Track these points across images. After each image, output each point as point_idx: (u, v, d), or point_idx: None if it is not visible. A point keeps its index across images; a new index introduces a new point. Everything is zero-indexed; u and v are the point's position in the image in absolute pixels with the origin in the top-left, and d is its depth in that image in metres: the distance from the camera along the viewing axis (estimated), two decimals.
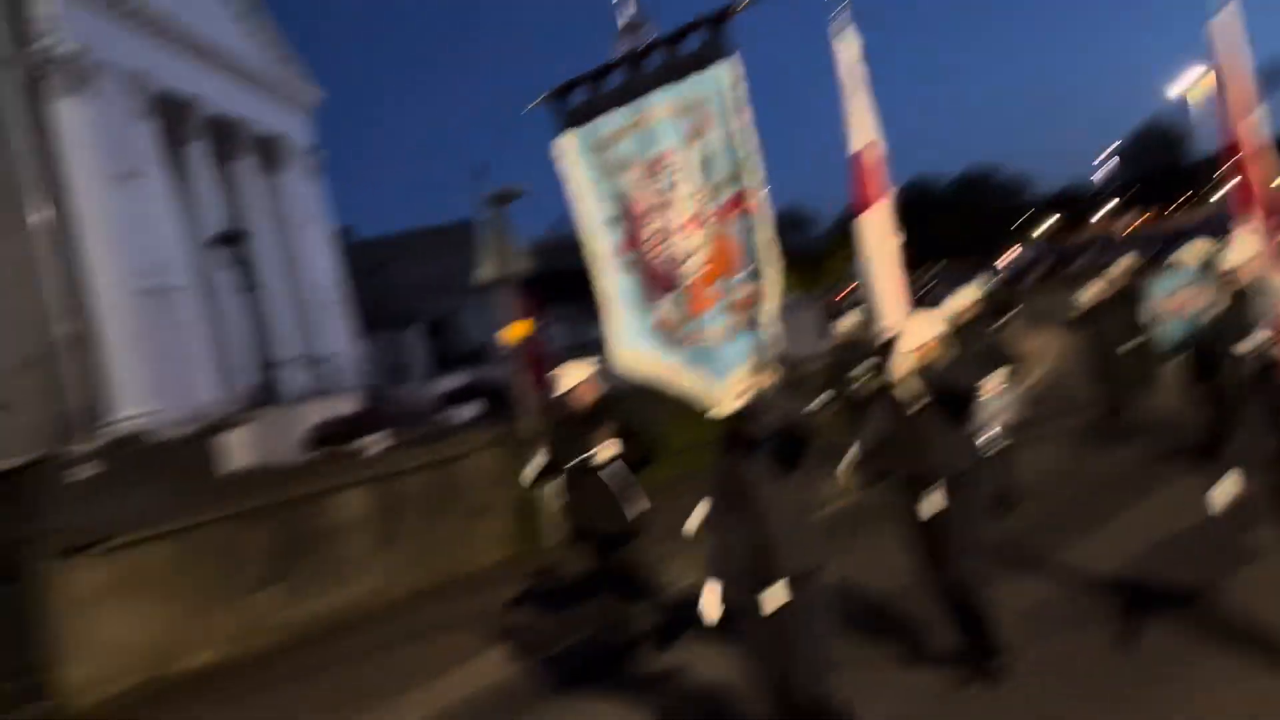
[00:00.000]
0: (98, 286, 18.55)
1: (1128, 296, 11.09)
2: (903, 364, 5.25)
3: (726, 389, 4.11)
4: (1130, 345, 11.58)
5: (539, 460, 6.63)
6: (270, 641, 8.48)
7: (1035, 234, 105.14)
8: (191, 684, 7.94)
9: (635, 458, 6.31)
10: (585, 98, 4.35)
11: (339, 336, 28.27)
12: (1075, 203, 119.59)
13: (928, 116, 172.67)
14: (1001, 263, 66.21)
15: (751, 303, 4.00)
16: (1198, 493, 6.44)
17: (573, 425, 6.47)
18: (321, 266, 28.34)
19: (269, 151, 26.58)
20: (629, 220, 4.33)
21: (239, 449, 13.89)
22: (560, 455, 6.51)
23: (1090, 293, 12.11)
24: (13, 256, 18.41)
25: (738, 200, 3.95)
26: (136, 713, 7.50)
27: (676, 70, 4.00)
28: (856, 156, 5.36)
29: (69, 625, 7.59)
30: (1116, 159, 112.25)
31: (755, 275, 3.96)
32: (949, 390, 5.21)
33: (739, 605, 4.35)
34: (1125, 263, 12.70)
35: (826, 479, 6.81)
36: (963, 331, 8.56)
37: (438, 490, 9.89)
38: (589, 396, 6.39)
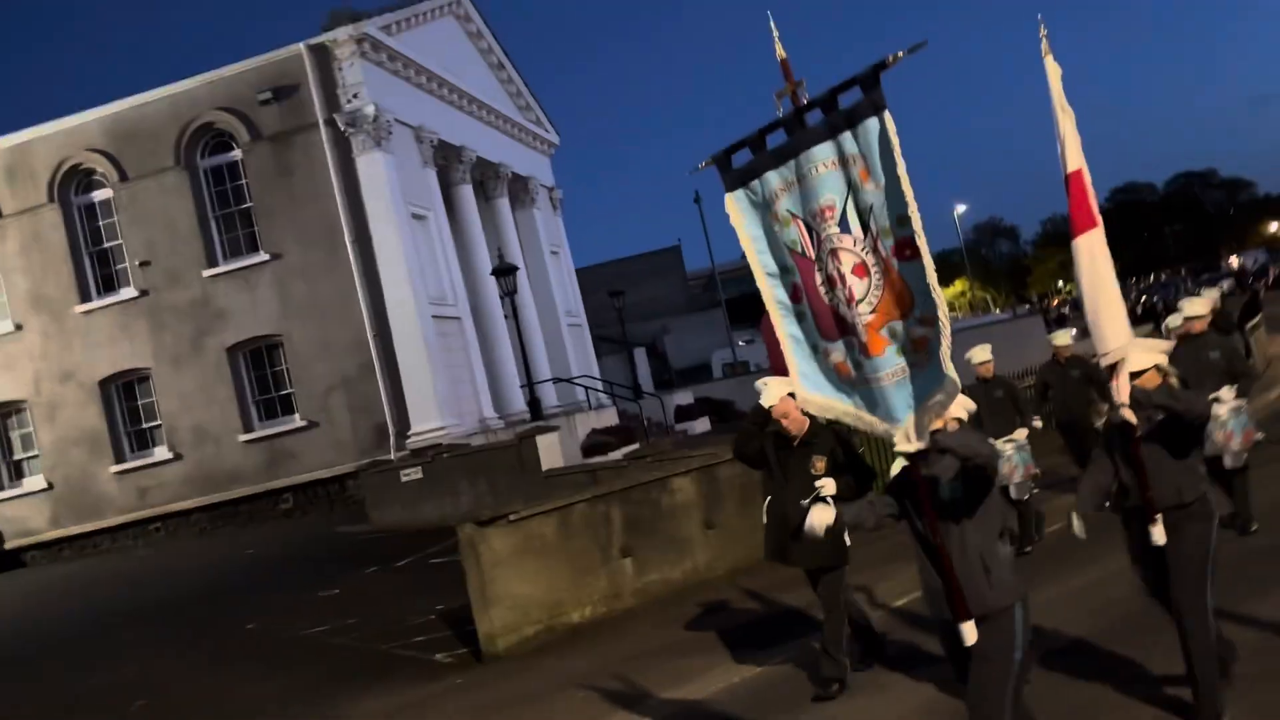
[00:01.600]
0: (398, 314, 21.15)
1: None
2: (1125, 390, 5.19)
3: (906, 429, 4.19)
4: None
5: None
6: (630, 604, 10.08)
7: (1263, 236, 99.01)
8: (577, 635, 9.60)
9: (847, 491, 6.33)
10: (748, 158, 4.51)
11: (582, 357, 30.47)
12: None
13: (1125, 123, 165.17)
14: (1229, 267, 63.06)
15: (925, 343, 4.07)
16: None
17: (787, 449, 6.68)
18: (566, 293, 30.67)
19: (519, 191, 29.13)
20: (797, 271, 4.47)
21: (548, 452, 15.78)
22: (776, 479, 6.72)
23: None
24: (333, 288, 21.31)
25: (904, 245, 4.03)
26: (541, 656, 9.20)
27: (834, 127, 4.10)
28: (1072, 178, 5.38)
29: (489, 581, 9.39)
30: None
31: (927, 317, 4.04)
32: (1176, 416, 5.11)
33: (943, 630, 4.59)
34: None
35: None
36: (1192, 344, 8.55)
37: (742, 482, 11.26)
38: (799, 418, 6.50)
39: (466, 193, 25.38)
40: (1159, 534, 5.14)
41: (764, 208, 4.48)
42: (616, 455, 18.64)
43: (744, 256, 4.60)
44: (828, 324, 4.39)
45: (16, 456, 23.41)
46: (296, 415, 21.70)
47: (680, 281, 61.71)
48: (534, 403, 21.63)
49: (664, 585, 10.39)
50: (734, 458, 7.29)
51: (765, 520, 6.85)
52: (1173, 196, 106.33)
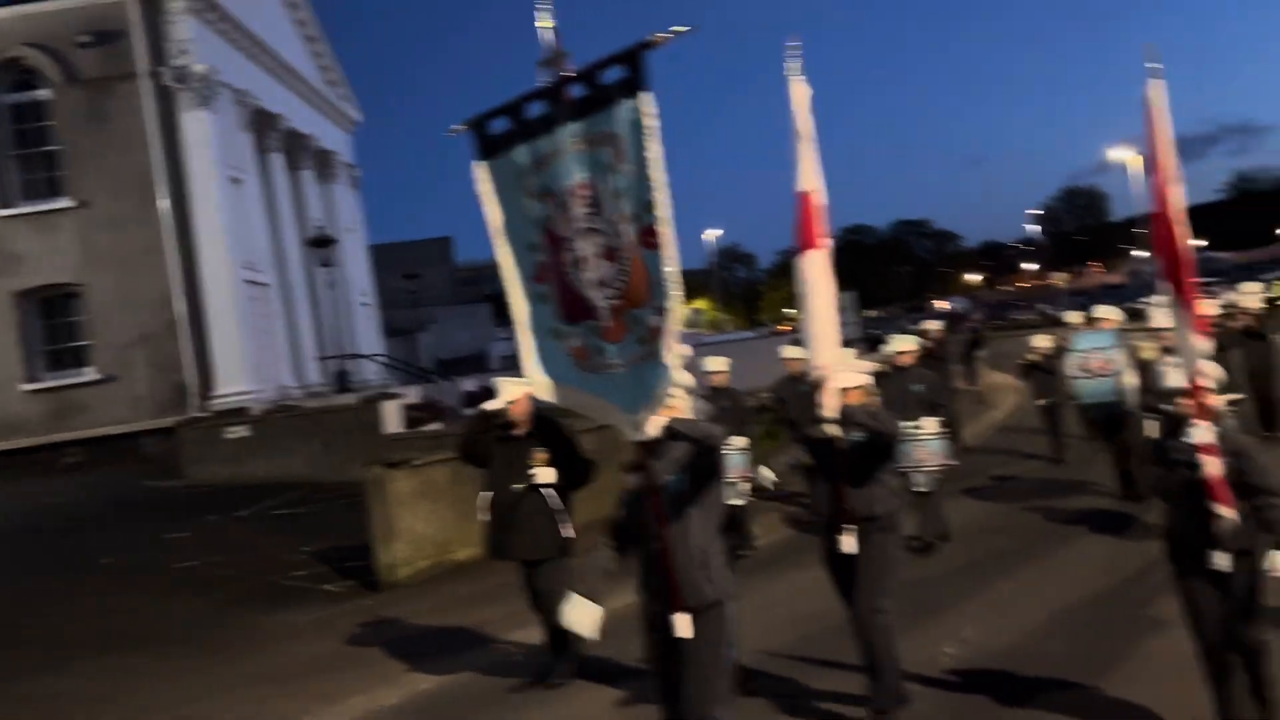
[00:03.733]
0: (209, 275, 21.12)
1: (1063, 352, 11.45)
2: (831, 404, 5.38)
3: (639, 417, 4.14)
4: (1059, 399, 12.50)
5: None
6: None
7: (965, 285, 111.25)
8: (460, 570, 10.81)
9: (568, 481, 6.37)
10: (504, 127, 4.35)
11: (372, 337, 30.87)
12: (998, 257, 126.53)
13: (857, 169, 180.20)
14: (940, 309, 70.64)
15: (659, 334, 4.00)
16: (1103, 558, 7.92)
17: (509, 443, 6.54)
18: (359, 273, 30.96)
19: (323, 165, 29.27)
20: (545, 249, 4.35)
21: (390, 417, 16.61)
22: (497, 473, 6.56)
23: (1041, 343, 13.26)
24: (142, 242, 20.96)
25: (648, 233, 3.94)
26: (435, 584, 10.35)
27: (594, 103, 4.00)
28: (802, 197, 5.47)
29: (394, 517, 10.45)
30: (1039, 218, 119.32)
31: (662, 307, 3.97)
32: (874, 433, 5.38)
33: (652, 623, 4.47)
34: (1073, 318, 13.75)
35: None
36: (899, 375, 9.26)
37: None
38: (525, 415, 6.43)
39: (277, 161, 25.42)
40: (849, 543, 5.43)
41: (516, 180, 4.35)
42: (434, 428, 19.60)
43: None
44: (570, 307, 4.31)
45: None
46: (91, 368, 21.14)
47: (448, 273, 62.23)
48: (342, 374, 22.16)
49: None
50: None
51: (483, 516, 6.72)
52: (894, 241, 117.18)
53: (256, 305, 22.48)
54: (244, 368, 21.10)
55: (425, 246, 61.55)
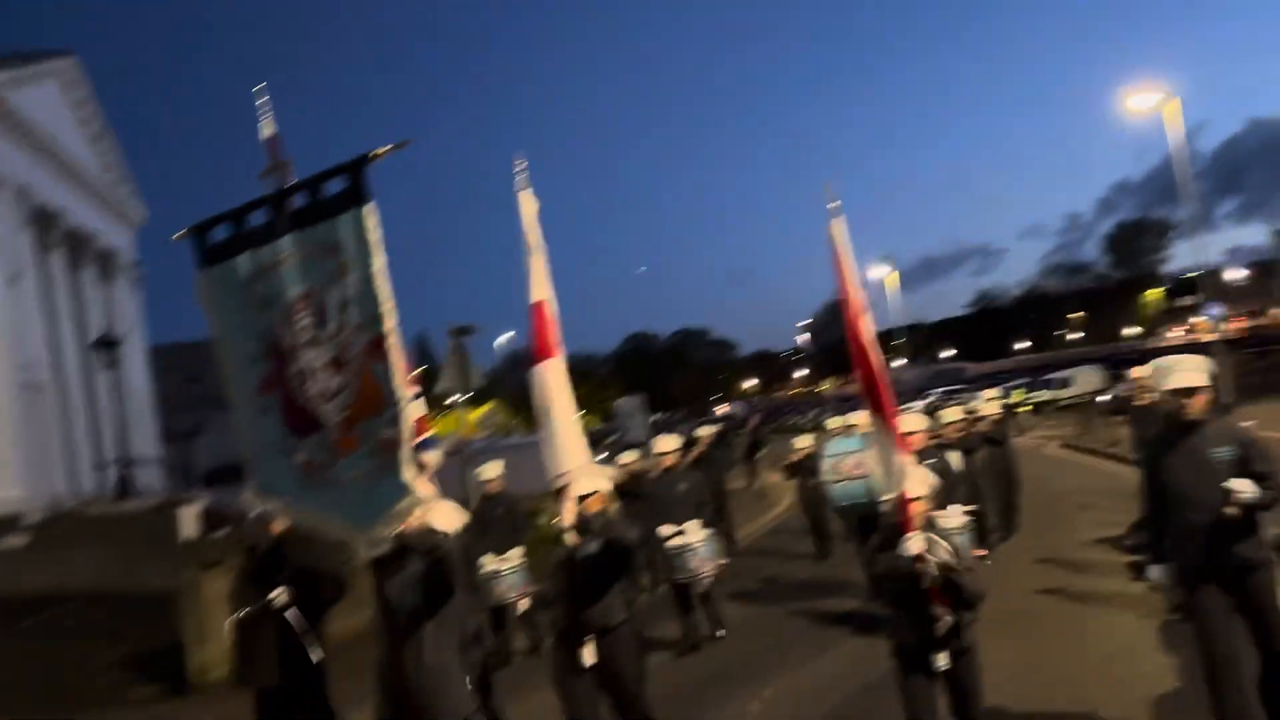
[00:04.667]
0: None
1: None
2: (569, 512, 5.34)
3: (372, 533, 4.03)
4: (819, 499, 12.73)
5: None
6: None
7: (742, 390, 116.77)
8: None
9: (316, 600, 5.94)
10: (226, 235, 4.25)
11: (147, 441, 29.62)
12: (770, 366, 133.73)
13: (636, 281, 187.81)
14: (721, 414, 74.03)
15: (395, 445, 3.91)
16: (860, 659, 7.75)
17: (254, 562, 6.16)
18: (137, 374, 29.82)
19: (106, 263, 28.33)
20: (271, 360, 4.19)
21: (186, 522, 16.22)
22: (239, 595, 6.13)
23: (802, 444, 13.66)
24: None
25: (377, 343, 3.89)
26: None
27: (317, 213, 3.96)
28: (535, 307, 5.51)
29: (208, 618, 10.47)
30: (808, 327, 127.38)
31: (396, 418, 3.89)
32: (610, 541, 5.31)
33: None
34: (834, 422, 13.98)
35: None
36: (665, 476, 9.52)
37: None
38: (273, 530, 6.01)
39: (58, 260, 24.52)
40: (589, 654, 5.31)
41: (239, 290, 4.22)
42: (224, 533, 19.20)
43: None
44: (298, 420, 4.15)
45: None
46: None
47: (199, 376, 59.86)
48: (123, 480, 21.36)
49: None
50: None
51: (228, 640, 6.29)
52: (675, 348, 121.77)
53: (32, 409, 21.42)
54: (16, 474, 19.99)
55: (200, 348, 59.17)
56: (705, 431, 15.29)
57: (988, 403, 13.62)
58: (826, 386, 60.76)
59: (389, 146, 3.82)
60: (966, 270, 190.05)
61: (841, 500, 9.06)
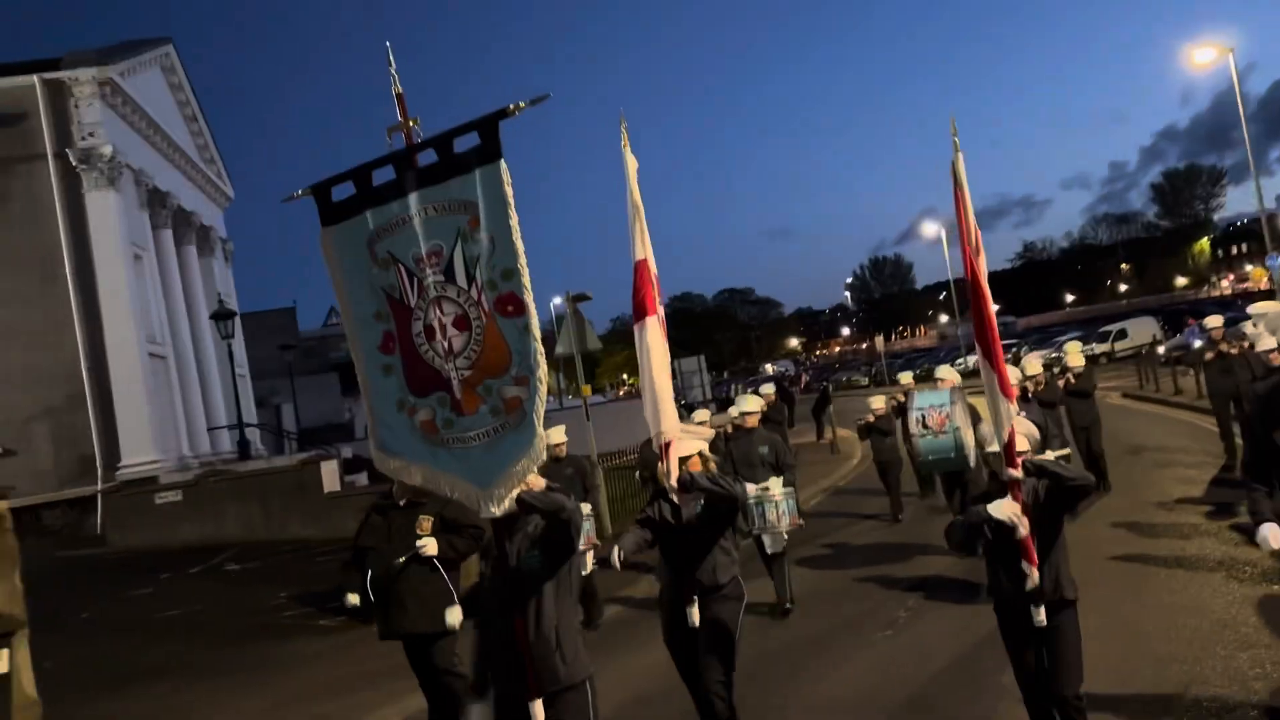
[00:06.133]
0: (114, 348, 21.71)
1: (903, 407, 11.67)
2: (675, 472, 5.29)
3: (492, 492, 3.97)
4: (894, 458, 13.08)
5: (353, 600, 6.35)
6: None
7: (786, 349, 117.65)
8: None
9: (454, 553, 6.07)
10: (350, 193, 4.23)
11: (248, 407, 31.35)
12: (813, 324, 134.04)
13: (681, 241, 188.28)
14: (767, 372, 74.89)
15: (518, 404, 3.88)
16: (951, 623, 7.80)
17: (390, 513, 6.23)
18: (236, 345, 31.47)
19: (203, 240, 29.95)
20: (392, 318, 4.17)
21: (329, 477, 17.74)
22: (375, 544, 6.19)
23: (877, 404, 13.44)
24: (44, 318, 21.41)
25: (504, 301, 3.86)
26: None
27: (446, 170, 3.92)
28: (638, 266, 5.45)
29: None
30: (850, 286, 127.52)
31: (522, 377, 3.86)
32: (716, 498, 5.31)
33: (509, 708, 4.26)
34: (905, 378, 14.09)
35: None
36: (744, 437, 9.30)
37: None
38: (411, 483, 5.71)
39: (167, 237, 26.12)
40: (695, 613, 5.34)
41: (362, 247, 4.18)
42: (364, 484, 20.61)
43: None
44: (419, 378, 4.13)
45: None
46: None
47: (293, 343, 61.88)
48: (243, 441, 22.98)
49: None
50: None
51: (372, 595, 6.26)
52: (719, 309, 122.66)
53: (158, 378, 23.09)
54: (149, 439, 21.67)
55: (269, 317, 61.14)
56: (769, 390, 15.55)
57: (1071, 354, 13.26)
58: (878, 344, 61.10)
59: (525, 102, 3.77)
60: (1010, 223, 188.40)
61: (928, 454, 8.92)
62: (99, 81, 21.84)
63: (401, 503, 6.20)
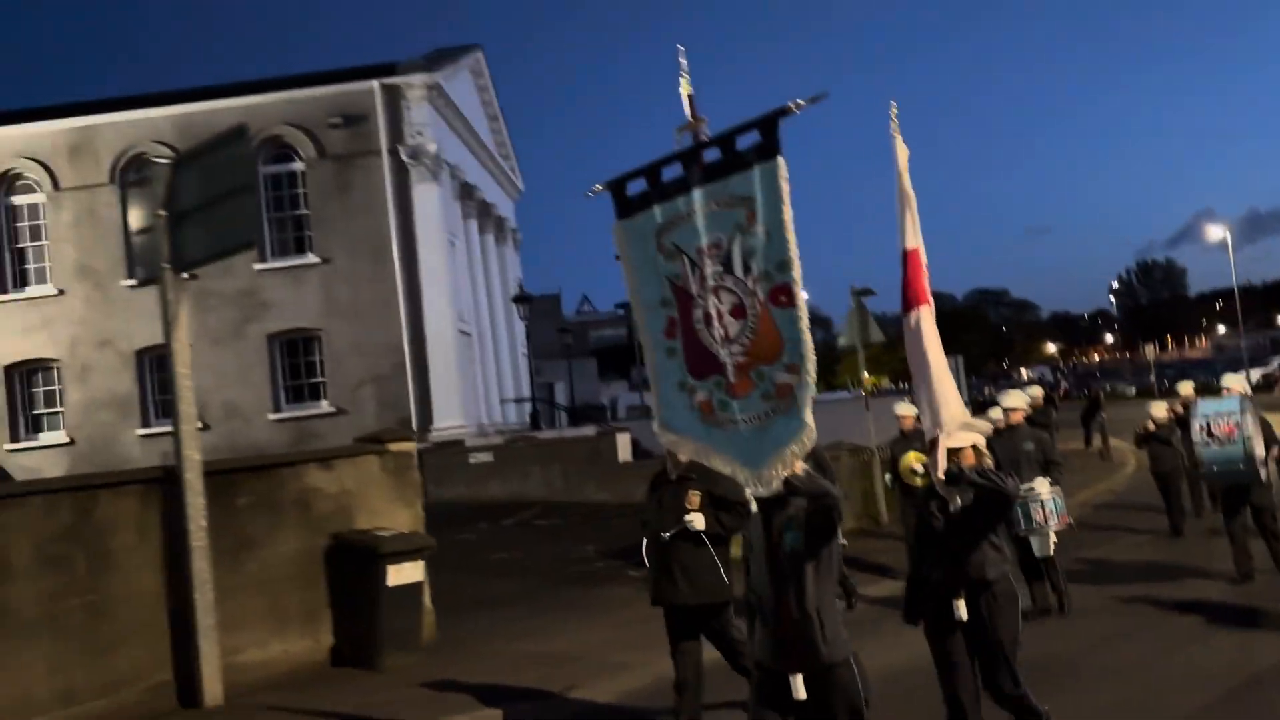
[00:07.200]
0: (431, 325, 24.42)
1: (1182, 419, 11.57)
2: (943, 465, 5.26)
3: (761, 473, 4.19)
4: (1175, 469, 12.67)
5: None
6: None
7: (1042, 354, 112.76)
8: None
9: (720, 528, 6.27)
10: (641, 188, 4.55)
11: (524, 382, 34.10)
12: (1071, 329, 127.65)
13: (929, 237, 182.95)
14: (1022, 377, 72.52)
15: (789, 390, 4.07)
16: (1216, 661, 7.34)
17: (662, 487, 6.49)
18: (518, 324, 34.30)
19: (499, 230, 32.81)
20: (676, 305, 4.47)
21: (624, 448, 19.56)
22: (652, 519, 6.46)
23: (1158, 412, 13.18)
24: (373, 295, 24.37)
25: (778, 292, 4.05)
26: None
27: (728, 167, 4.15)
28: (909, 255, 5.50)
29: None
30: (1114, 290, 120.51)
31: (793, 365, 4.05)
32: (988, 493, 5.20)
33: (770, 682, 4.42)
34: (1185, 387, 13.53)
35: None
36: (1009, 434, 9.00)
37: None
38: (684, 459, 6.10)
39: (473, 227, 28.90)
40: (961, 609, 5.24)
41: (651, 239, 4.51)
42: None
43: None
44: (698, 361, 4.41)
45: (37, 411, 24.95)
46: (324, 402, 24.45)
47: (554, 328, 65.75)
48: (536, 413, 25.22)
49: None
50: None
51: (647, 563, 6.60)
52: (969, 309, 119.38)
53: (465, 352, 25.76)
54: (458, 406, 24.26)
55: (537, 302, 65.12)
56: (1036, 391, 15.31)
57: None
58: (1147, 352, 58.03)
59: (804, 100, 3.88)
60: None
61: (1213, 465, 8.53)
62: (427, 86, 24.56)
63: (674, 477, 6.42)
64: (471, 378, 26.16)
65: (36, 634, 7.46)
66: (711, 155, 4.25)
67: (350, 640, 9.14)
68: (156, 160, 8.60)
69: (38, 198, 24.94)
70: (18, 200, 25.23)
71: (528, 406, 31.01)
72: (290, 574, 9.04)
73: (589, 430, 22.52)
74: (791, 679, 4.27)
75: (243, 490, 8.89)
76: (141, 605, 8.02)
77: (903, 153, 5.46)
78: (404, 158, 24.47)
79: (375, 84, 24.54)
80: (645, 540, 6.56)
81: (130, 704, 7.84)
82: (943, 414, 5.33)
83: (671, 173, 4.43)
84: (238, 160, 7.93)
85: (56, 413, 24.93)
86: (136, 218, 8.52)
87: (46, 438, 24.74)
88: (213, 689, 8.01)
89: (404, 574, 9.08)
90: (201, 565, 8.05)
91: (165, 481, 8.28)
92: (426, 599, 9.74)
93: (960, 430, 5.35)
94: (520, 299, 25.44)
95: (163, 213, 8.15)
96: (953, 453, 5.28)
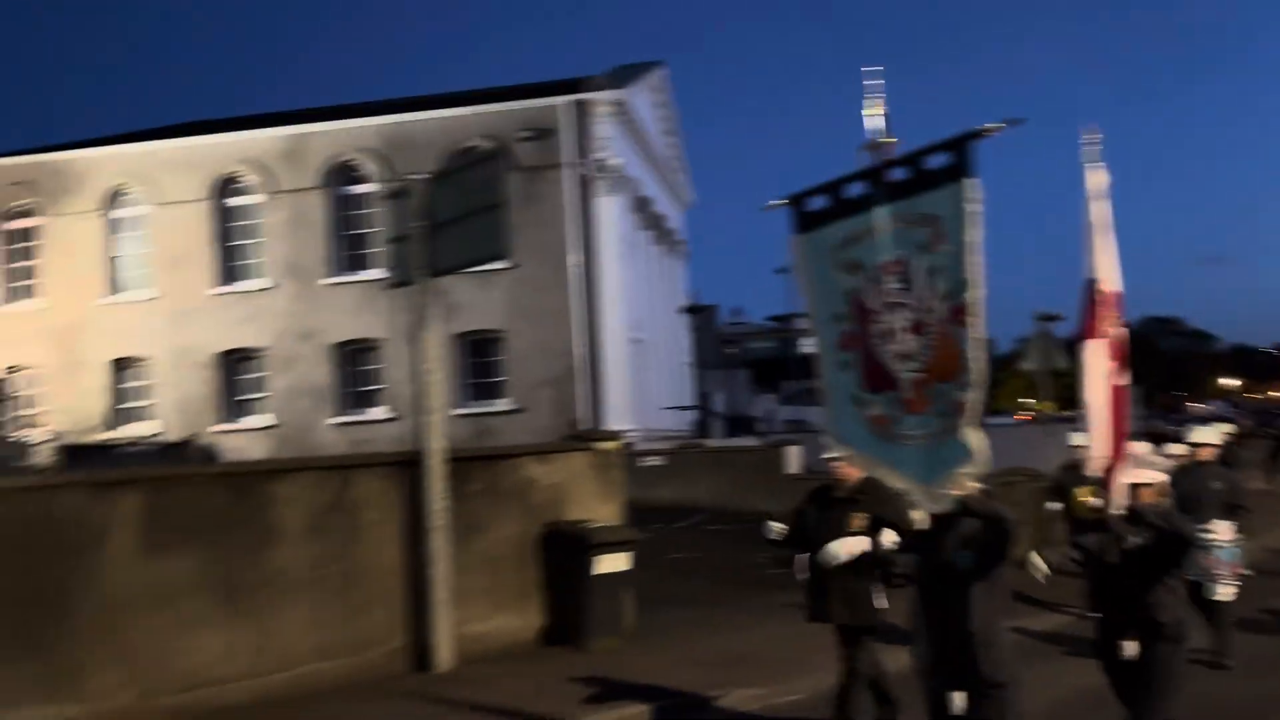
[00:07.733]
0: (606, 331, 25.38)
1: None
2: (1121, 501, 5.14)
3: (933, 490, 4.22)
4: None
5: (780, 527, 6.60)
6: None
7: (1220, 388, 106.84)
8: None
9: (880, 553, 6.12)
10: (822, 205, 4.61)
11: (685, 390, 34.85)
12: (1252, 362, 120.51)
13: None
14: (1199, 411, 69.11)
15: (964, 409, 4.08)
16: None
17: (828, 504, 6.39)
18: (681, 333, 35.10)
19: (670, 241, 33.68)
20: (852, 319, 4.52)
21: (793, 460, 20.02)
22: (811, 532, 6.38)
23: None
24: (554, 301, 25.49)
25: (960, 311, 4.04)
26: None
27: (915, 185, 4.16)
28: (1091, 284, 5.33)
29: None
30: None
31: (969, 384, 4.06)
32: (1164, 535, 5.09)
33: (933, 699, 4.46)
34: None
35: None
36: (1197, 471, 8.52)
37: None
38: (850, 473, 6.12)
39: (646, 238, 29.81)
40: (1130, 648, 5.19)
41: (829, 253, 4.58)
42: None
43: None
44: (873, 376, 4.46)
45: (242, 397, 27.08)
46: (505, 400, 25.70)
47: (710, 339, 66.47)
48: (702, 420, 25.85)
49: None
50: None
51: (801, 576, 6.61)
52: (1139, 338, 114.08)
53: (635, 359, 26.64)
54: (628, 411, 25.13)
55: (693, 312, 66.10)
56: (1229, 427, 14.60)
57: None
58: None
59: (999, 124, 3.89)
60: None
61: None
62: (613, 103, 25.56)
63: (840, 496, 6.32)
64: (640, 384, 27.00)
65: (302, 594, 8.45)
66: (898, 173, 4.32)
67: (559, 621, 9.90)
68: (412, 176, 9.55)
69: (254, 199, 27.06)
70: (234, 202, 27.43)
71: (687, 414, 31.72)
72: (509, 556, 9.86)
73: (754, 440, 23.00)
74: (951, 694, 4.39)
75: (472, 477, 9.75)
76: (385, 575, 8.95)
77: (1097, 179, 5.24)
78: (588, 171, 25.51)
79: (564, 100, 25.68)
80: (795, 557, 6.62)
81: (373, 663, 8.77)
82: (1101, 448, 5.19)
83: (853, 189, 4.52)
84: (491, 179, 8.78)
85: (261, 398, 26.97)
86: (393, 227, 9.52)
87: (250, 421, 26.78)
88: (445, 656, 8.88)
89: (611, 564, 9.78)
90: (439, 542, 8.94)
91: (410, 465, 9.21)
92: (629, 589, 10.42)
93: (1143, 467, 5.33)
94: (693, 309, 26.17)
95: (420, 223, 9.11)
96: (1134, 489, 5.20)
